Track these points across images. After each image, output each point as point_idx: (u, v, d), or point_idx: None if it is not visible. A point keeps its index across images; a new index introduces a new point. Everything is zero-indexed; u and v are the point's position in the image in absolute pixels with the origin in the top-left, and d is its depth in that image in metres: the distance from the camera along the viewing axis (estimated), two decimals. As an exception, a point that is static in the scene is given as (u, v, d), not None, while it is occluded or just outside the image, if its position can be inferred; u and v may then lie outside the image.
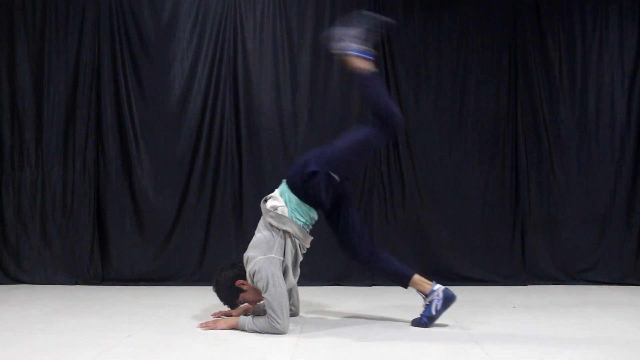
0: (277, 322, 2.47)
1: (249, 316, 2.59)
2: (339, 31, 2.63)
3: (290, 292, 2.78)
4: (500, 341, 2.41)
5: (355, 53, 2.61)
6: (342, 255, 3.93)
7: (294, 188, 2.63)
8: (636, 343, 2.41)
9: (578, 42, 4.13)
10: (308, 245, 2.74)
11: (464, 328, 2.65)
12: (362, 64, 2.63)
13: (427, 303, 2.65)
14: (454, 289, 3.73)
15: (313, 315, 2.96)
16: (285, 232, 2.59)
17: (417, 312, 2.77)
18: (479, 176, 4.07)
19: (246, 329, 2.53)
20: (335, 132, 4.02)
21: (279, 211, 2.59)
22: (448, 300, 2.65)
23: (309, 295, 3.45)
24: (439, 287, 2.67)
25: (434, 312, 2.63)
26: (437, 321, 2.69)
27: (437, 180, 4.05)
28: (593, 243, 4.06)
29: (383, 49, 4.08)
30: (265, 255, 2.54)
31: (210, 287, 3.70)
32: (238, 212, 4.02)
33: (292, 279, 2.68)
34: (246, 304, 2.79)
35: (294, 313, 2.87)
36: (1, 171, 4.07)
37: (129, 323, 2.74)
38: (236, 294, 2.68)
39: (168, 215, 4.01)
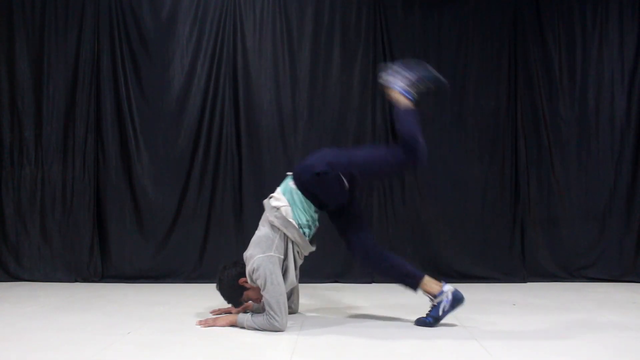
0: (276, 320, 2.47)
1: (248, 313, 2.59)
2: (396, 68, 2.74)
3: (290, 291, 2.78)
4: (499, 338, 2.41)
5: (399, 89, 2.70)
6: (342, 253, 3.97)
7: (299, 182, 2.62)
8: (636, 340, 2.42)
9: (578, 39, 4.13)
10: (306, 254, 2.73)
11: (463, 325, 2.65)
12: (402, 99, 2.70)
13: (435, 304, 2.61)
14: (453, 286, 3.76)
15: (313, 313, 2.96)
16: (286, 235, 2.59)
17: (417, 310, 2.77)
18: (478, 173, 4.07)
19: (245, 326, 2.53)
20: (334, 129, 4.03)
21: (283, 212, 2.58)
22: (456, 302, 2.62)
23: (308, 292, 3.45)
24: (448, 289, 2.63)
25: (440, 313, 2.60)
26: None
27: (437, 177, 4.05)
28: (593, 240, 4.06)
29: (383, 46, 4.08)
30: (264, 254, 2.54)
31: (210, 284, 3.71)
32: (238, 209, 4.02)
33: (294, 279, 2.68)
34: (250, 302, 2.79)
35: (292, 311, 2.87)
36: (1, 168, 4.07)
37: (128, 320, 2.74)
38: (240, 293, 2.68)
39: (168, 212, 4.01)
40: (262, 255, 2.54)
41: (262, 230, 2.63)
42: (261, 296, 2.62)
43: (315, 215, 2.68)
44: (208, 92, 4.05)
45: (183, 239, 4.01)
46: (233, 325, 2.58)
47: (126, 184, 4.04)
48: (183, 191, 4.03)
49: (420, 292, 2.67)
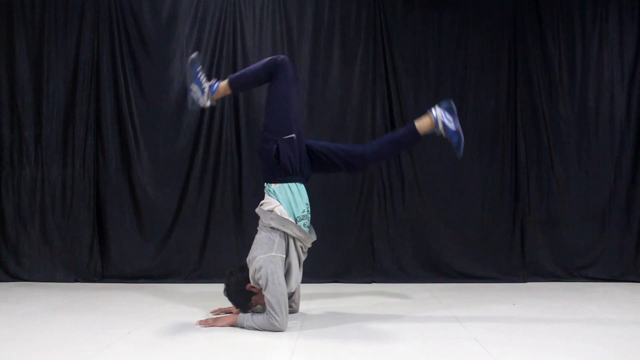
0: (276, 320, 2.47)
1: (248, 313, 2.60)
2: (188, 88, 2.86)
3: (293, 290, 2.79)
4: (499, 338, 2.41)
5: (209, 91, 2.85)
6: (342, 253, 3.98)
7: (274, 177, 2.68)
8: (635, 340, 2.42)
9: (578, 39, 4.13)
10: (309, 245, 2.74)
11: (463, 325, 2.65)
12: (221, 88, 2.85)
13: (444, 132, 2.77)
14: (453, 287, 3.78)
15: (313, 312, 2.96)
16: (285, 233, 2.60)
17: (416, 309, 2.78)
18: (478, 173, 4.07)
19: (245, 326, 2.54)
20: (334, 128, 4.04)
21: (277, 211, 2.60)
22: (449, 110, 2.80)
23: (309, 292, 3.45)
24: (437, 115, 2.79)
25: (454, 128, 2.76)
26: (438, 314, 2.69)
27: (437, 177, 4.05)
28: (592, 240, 4.06)
29: (382, 45, 4.08)
30: (265, 254, 2.55)
31: (210, 284, 3.74)
32: (238, 209, 4.02)
33: (298, 277, 2.68)
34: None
35: (293, 310, 2.88)
36: (1, 168, 4.07)
37: (128, 320, 2.75)
38: (247, 298, 2.68)
39: (168, 212, 4.01)
40: (264, 255, 2.54)
41: (262, 234, 2.64)
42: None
43: (307, 198, 2.71)
44: (208, 92, 4.04)
45: (183, 238, 4.01)
46: (233, 325, 2.58)
47: (126, 184, 4.04)
48: (183, 191, 4.03)
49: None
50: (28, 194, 4.04)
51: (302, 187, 2.71)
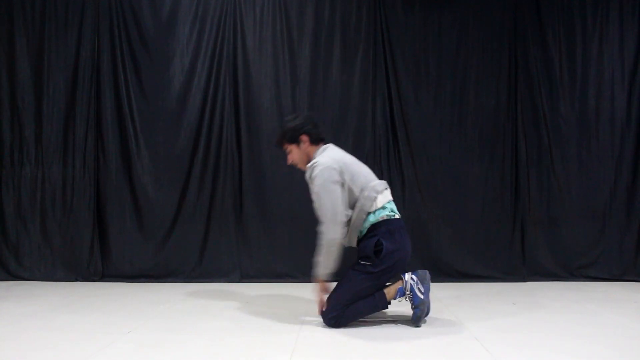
0: (323, 225, 2.56)
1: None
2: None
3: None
4: (500, 337, 2.41)
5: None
6: (342, 253, 3.97)
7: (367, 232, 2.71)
8: (636, 339, 2.42)
9: (578, 38, 4.13)
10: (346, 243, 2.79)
11: (463, 324, 2.65)
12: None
13: (410, 296, 2.63)
14: (454, 286, 3.78)
15: (313, 312, 2.96)
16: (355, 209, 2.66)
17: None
18: (478, 172, 4.07)
19: (320, 273, 2.69)
20: (335, 128, 4.03)
21: (371, 201, 2.70)
22: (422, 277, 2.66)
23: (308, 291, 3.45)
24: (407, 276, 2.66)
25: (421, 296, 2.61)
26: (438, 314, 2.69)
27: (437, 176, 4.05)
28: (593, 239, 4.06)
29: (383, 45, 4.08)
30: (326, 165, 2.62)
31: (210, 284, 3.74)
32: (238, 208, 4.01)
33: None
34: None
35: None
36: (1, 168, 4.07)
37: (128, 319, 2.75)
38: (293, 141, 2.78)
39: (168, 211, 4.01)
40: (330, 167, 2.61)
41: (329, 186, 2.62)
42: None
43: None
44: (208, 91, 4.05)
45: (183, 238, 4.01)
46: (318, 283, 2.71)
47: (126, 183, 4.04)
48: (183, 190, 4.03)
49: (394, 301, 2.68)
50: (28, 193, 4.05)
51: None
